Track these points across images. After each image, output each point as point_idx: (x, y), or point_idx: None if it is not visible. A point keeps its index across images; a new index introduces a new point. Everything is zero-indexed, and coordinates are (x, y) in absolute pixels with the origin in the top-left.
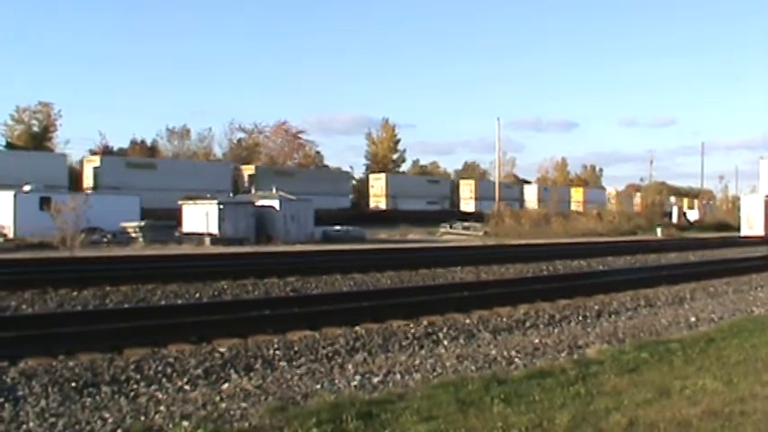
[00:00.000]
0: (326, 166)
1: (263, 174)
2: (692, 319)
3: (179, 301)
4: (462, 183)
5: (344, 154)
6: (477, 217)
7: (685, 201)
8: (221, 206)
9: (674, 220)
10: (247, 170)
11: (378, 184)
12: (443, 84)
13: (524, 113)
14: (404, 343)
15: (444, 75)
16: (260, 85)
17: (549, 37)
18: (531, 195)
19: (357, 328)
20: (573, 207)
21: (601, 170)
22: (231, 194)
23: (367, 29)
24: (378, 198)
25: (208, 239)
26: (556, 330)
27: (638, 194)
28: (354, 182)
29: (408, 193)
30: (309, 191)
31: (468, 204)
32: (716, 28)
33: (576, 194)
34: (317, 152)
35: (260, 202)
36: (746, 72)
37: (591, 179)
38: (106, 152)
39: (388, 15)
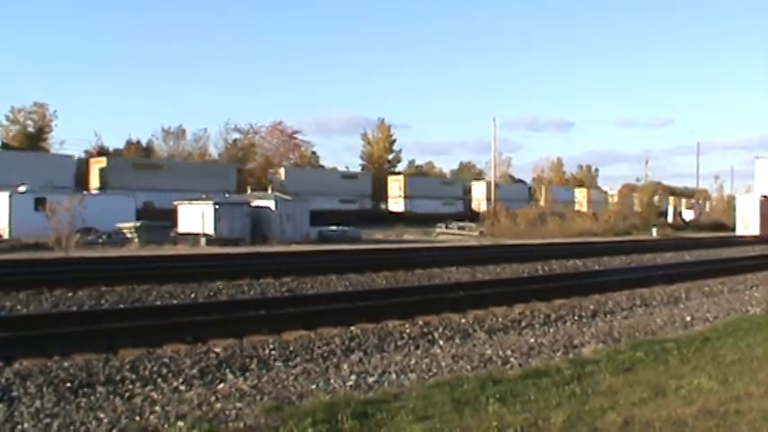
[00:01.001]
0: (215, 160)
1: (118, 167)
2: (688, 318)
3: (174, 302)
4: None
5: (341, 154)
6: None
7: (683, 201)
8: (217, 206)
9: (670, 219)
10: (97, 164)
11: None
12: (439, 84)
13: (521, 113)
14: (399, 343)
15: (441, 75)
16: (256, 86)
17: (545, 37)
18: (478, 193)
19: (353, 327)
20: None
21: (596, 170)
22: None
23: (363, 29)
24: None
25: (203, 240)
26: (551, 330)
27: (635, 195)
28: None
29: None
30: (183, 187)
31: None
32: (713, 28)
33: (581, 195)
34: (313, 152)
35: (256, 203)
36: (743, 72)
37: (586, 179)
38: (102, 153)
39: (384, 15)
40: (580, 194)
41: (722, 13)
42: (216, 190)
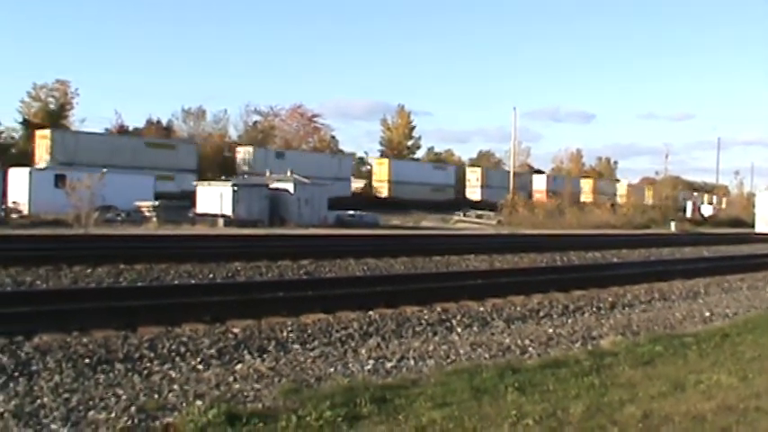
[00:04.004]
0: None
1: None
2: (707, 313)
3: (193, 281)
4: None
5: (360, 139)
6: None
7: (705, 196)
8: (235, 188)
9: (689, 214)
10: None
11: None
12: (462, 72)
13: (542, 103)
14: (417, 329)
15: (464, 63)
16: (277, 69)
17: (569, 28)
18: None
19: (371, 312)
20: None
21: (616, 162)
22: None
23: (387, 16)
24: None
25: (221, 221)
26: (570, 321)
27: (650, 188)
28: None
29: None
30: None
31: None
32: (736, 24)
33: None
34: (332, 137)
35: (274, 185)
36: (765, 68)
37: (605, 171)
38: (123, 131)
39: (407, 3)
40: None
41: (745, 9)
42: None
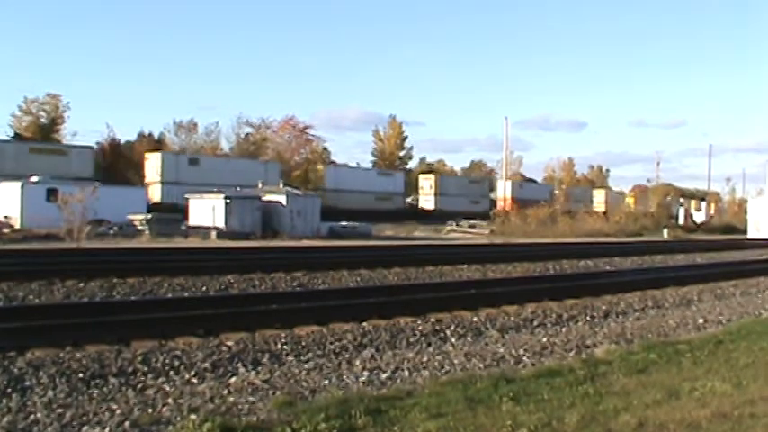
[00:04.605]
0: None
1: None
2: (701, 320)
3: (186, 294)
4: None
5: (352, 150)
6: None
7: (697, 203)
8: (228, 200)
9: (681, 221)
10: None
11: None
12: (453, 82)
13: (533, 113)
14: (411, 340)
15: (455, 73)
16: (268, 81)
17: (558, 37)
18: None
19: (364, 323)
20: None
21: (608, 171)
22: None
23: (377, 26)
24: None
25: (214, 233)
26: (564, 330)
27: (632, 194)
28: None
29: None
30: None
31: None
32: (727, 31)
33: (599, 195)
34: (325, 148)
35: (267, 197)
36: (757, 75)
37: (597, 179)
38: (114, 144)
39: (399, 12)
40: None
41: (737, 16)
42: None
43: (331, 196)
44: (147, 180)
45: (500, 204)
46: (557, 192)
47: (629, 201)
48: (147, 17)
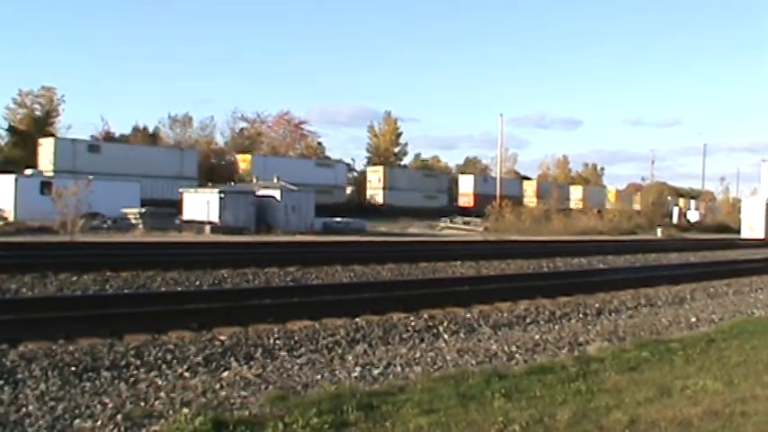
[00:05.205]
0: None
1: None
2: (693, 319)
3: (179, 289)
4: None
5: (346, 146)
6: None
7: (686, 201)
8: (222, 195)
9: (675, 220)
10: None
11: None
12: (449, 79)
13: (529, 110)
14: (404, 335)
15: (450, 70)
16: (264, 76)
17: (555, 34)
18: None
19: (357, 319)
20: (573, 205)
21: (602, 169)
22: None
23: (373, 22)
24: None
25: (208, 228)
26: (556, 327)
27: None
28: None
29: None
30: None
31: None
32: (723, 30)
33: (611, 195)
34: (319, 143)
35: (261, 192)
36: (753, 75)
37: (592, 178)
38: (109, 138)
39: (395, 9)
40: (529, 188)
41: (733, 15)
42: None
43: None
44: (40, 169)
45: (462, 200)
46: (526, 188)
47: (611, 197)
48: (142, 10)
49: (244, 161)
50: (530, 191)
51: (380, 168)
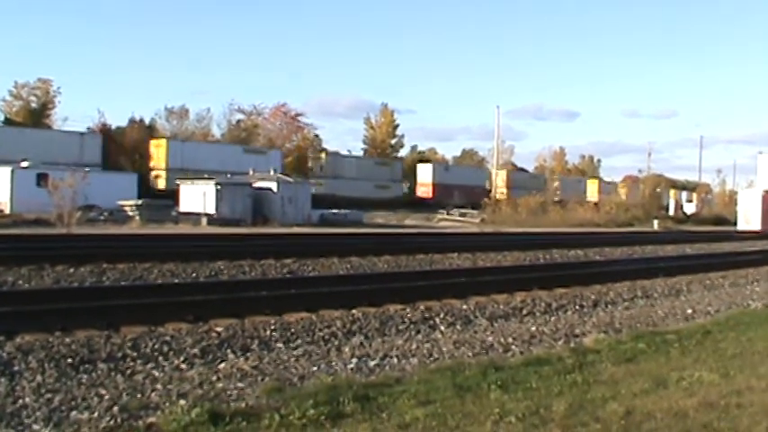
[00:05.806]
0: None
1: None
2: (689, 310)
3: (176, 280)
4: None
5: (344, 137)
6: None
7: (671, 191)
8: (219, 186)
9: (671, 212)
10: None
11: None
12: (446, 70)
13: (526, 102)
14: (401, 327)
15: (447, 61)
16: (260, 67)
17: (552, 26)
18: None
19: (354, 311)
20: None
21: (599, 161)
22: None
23: (370, 13)
24: None
25: (204, 219)
26: (553, 319)
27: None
28: None
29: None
30: None
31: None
32: (720, 22)
33: (592, 186)
34: (316, 135)
35: (258, 184)
36: (749, 67)
37: (589, 169)
38: (105, 130)
39: (391, 1)
40: (500, 178)
41: (730, 8)
42: None
43: (174, 178)
44: None
45: (420, 190)
46: (495, 179)
47: (592, 188)
48: (139, 2)
49: (157, 146)
50: (500, 181)
51: (322, 155)
